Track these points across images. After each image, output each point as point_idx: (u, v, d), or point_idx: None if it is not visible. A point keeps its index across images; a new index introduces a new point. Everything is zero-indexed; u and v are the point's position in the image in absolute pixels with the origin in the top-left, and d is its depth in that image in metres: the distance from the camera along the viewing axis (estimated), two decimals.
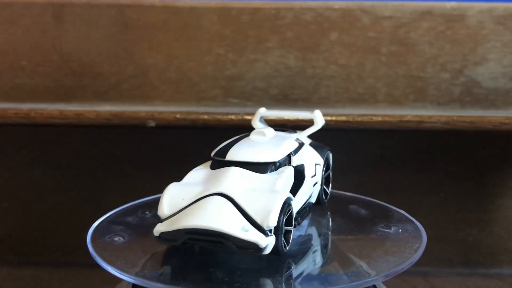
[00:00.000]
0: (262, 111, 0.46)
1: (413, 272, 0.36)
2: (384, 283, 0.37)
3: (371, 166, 0.63)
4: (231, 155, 0.37)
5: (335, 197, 0.45)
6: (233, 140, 0.39)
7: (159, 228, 0.34)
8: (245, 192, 0.35)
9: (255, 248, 0.33)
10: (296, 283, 0.34)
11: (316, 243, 0.39)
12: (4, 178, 0.64)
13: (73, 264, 0.52)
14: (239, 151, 0.37)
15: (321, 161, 0.43)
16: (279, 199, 0.34)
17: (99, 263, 0.36)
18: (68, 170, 0.63)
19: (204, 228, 0.33)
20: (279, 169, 0.37)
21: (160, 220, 0.35)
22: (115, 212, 0.43)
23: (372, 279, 0.34)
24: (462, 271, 0.53)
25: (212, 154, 0.38)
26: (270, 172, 0.37)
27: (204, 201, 0.34)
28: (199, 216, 0.33)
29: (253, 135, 0.40)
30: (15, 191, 0.63)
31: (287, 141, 0.40)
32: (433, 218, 0.58)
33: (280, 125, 0.45)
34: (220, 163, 0.37)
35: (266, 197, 0.34)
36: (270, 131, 0.41)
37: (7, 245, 0.56)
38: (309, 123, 0.46)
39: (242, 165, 0.36)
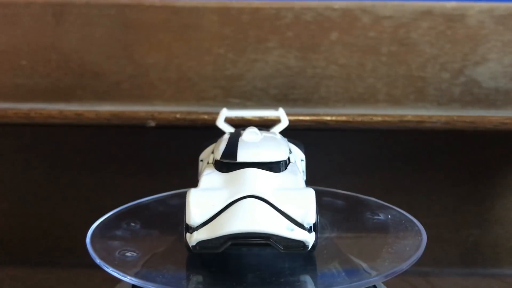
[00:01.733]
0: (226, 111, 0.46)
1: (413, 272, 0.36)
2: (384, 283, 0.37)
3: (371, 166, 0.63)
4: (243, 157, 0.36)
5: None
6: (230, 142, 0.39)
7: (196, 237, 0.33)
8: (274, 192, 0.34)
9: (301, 246, 0.33)
10: (297, 283, 0.34)
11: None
12: (4, 178, 0.64)
13: (73, 264, 0.52)
14: (248, 152, 0.37)
15: (303, 156, 0.43)
16: (312, 196, 0.34)
17: (98, 264, 0.36)
18: (68, 170, 0.63)
19: (251, 231, 0.32)
20: (288, 166, 0.37)
21: (190, 229, 0.34)
22: (115, 212, 0.43)
23: (372, 279, 0.34)
24: (462, 271, 0.53)
25: (219, 157, 0.37)
26: (282, 170, 0.37)
27: (239, 205, 0.33)
28: (241, 221, 0.33)
29: (246, 135, 0.39)
30: (15, 191, 0.63)
31: (280, 139, 0.40)
32: (433, 218, 0.58)
33: (246, 125, 0.45)
34: (231, 165, 0.36)
35: (298, 195, 0.34)
36: (257, 130, 0.41)
37: (6, 245, 0.56)
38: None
39: (256, 165, 0.36)
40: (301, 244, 0.33)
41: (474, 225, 0.59)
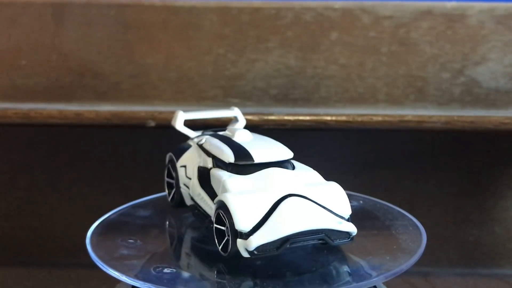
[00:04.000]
0: (183, 114, 0.45)
1: (413, 272, 0.36)
2: (385, 283, 0.37)
3: (371, 166, 0.63)
4: (259, 157, 0.36)
5: None
6: (230, 144, 0.38)
7: (256, 242, 0.33)
8: (307, 189, 0.35)
9: (348, 237, 0.35)
10: (296, 284, 0.34)
11: None
12: (4, 178, 0.64)
13: (73, 265, 0.52)
14: (262, 152, 0.37)
15: None
16: (341, 189, 0.36)
17: (98, 264, 0.36)
18: (68, 170, 0.63)
19: (309, 229, 0.33)
20: (295, 163, 0.38)
21: (242, 234, 0.33)
22: (115, 212, 0.43)
23: (373, 280, 0.34)
24: (462, 271, 0.53)
25: (232, 160, 0.36)
26: (293, 167, 0.37)
27: (286, 205, 0.34)
28: (298, 220, 0.33)
29: (240, 136, 0.39)
30: (14, 191, 0.63)
31: (268, 138, 0.40)
32: (433, 218, 0.58)
33: (206, 126, 0.45)
34: (250, 167, 0.36)
35: (330, 189, 0.35)
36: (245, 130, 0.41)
37: (6, 245, 0.56)
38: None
39: (274, 165, 0.36)
40: (348, 235, 0.35)
41: (474, 225, 0.59)
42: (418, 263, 0.36)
